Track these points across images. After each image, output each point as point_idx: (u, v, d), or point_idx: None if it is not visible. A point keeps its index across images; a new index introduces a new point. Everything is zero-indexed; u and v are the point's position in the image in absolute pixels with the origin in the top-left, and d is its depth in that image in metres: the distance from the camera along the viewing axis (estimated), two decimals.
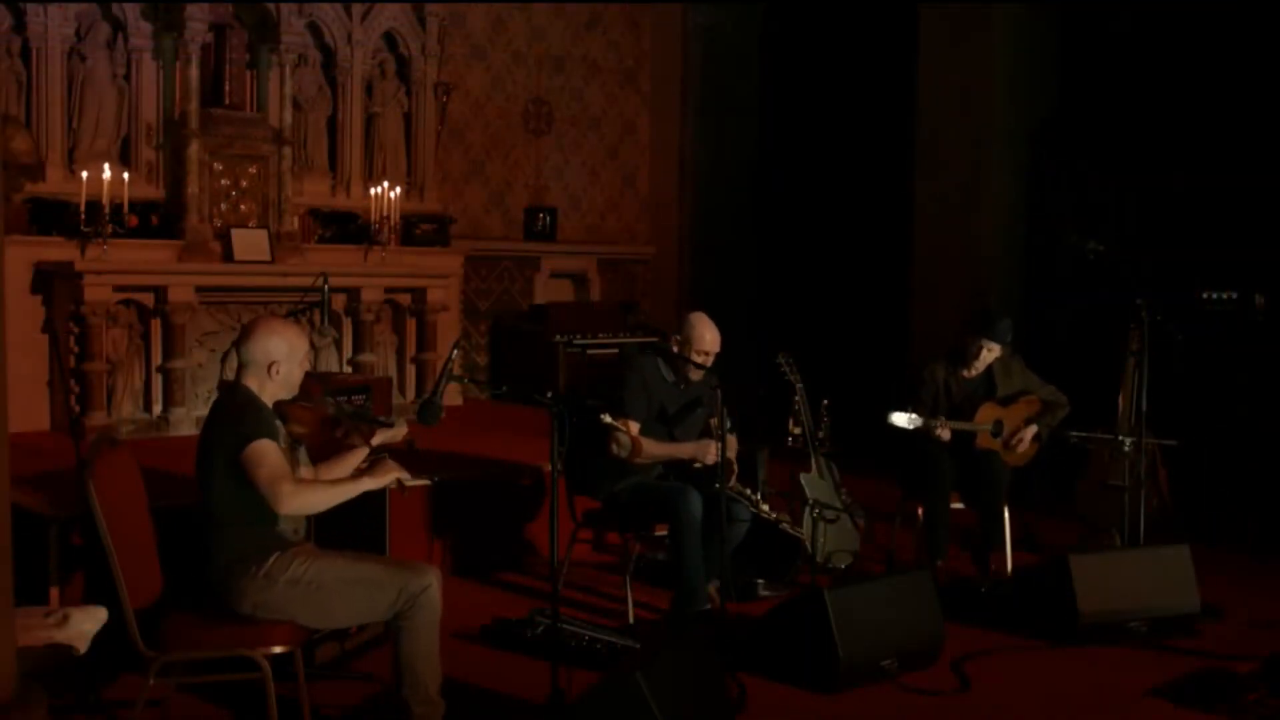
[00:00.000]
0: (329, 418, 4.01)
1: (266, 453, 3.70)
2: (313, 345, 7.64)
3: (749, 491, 5.38)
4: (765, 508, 5.40)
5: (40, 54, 7.23)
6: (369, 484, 3.87)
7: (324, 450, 4.15)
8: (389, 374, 8.15)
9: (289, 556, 3.79)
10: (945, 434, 5.74)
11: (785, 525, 5.52)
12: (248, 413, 3.78)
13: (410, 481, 4.00)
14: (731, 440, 5.46)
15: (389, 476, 3.92)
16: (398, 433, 4.14)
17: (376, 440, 4.12)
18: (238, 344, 3.94)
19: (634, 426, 5.18)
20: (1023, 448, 5.93)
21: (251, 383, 3.88)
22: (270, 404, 3.89)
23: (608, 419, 4.99)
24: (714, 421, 5.47)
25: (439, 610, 3.85)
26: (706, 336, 5.27)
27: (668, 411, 5.35)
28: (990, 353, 5.92)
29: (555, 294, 10.06)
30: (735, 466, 5.40)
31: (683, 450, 5.30)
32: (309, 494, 3.77)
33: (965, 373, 5.97)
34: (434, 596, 3.82)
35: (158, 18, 7.58)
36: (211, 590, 3.78)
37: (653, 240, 10.84)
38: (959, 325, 6.08)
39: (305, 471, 4.02)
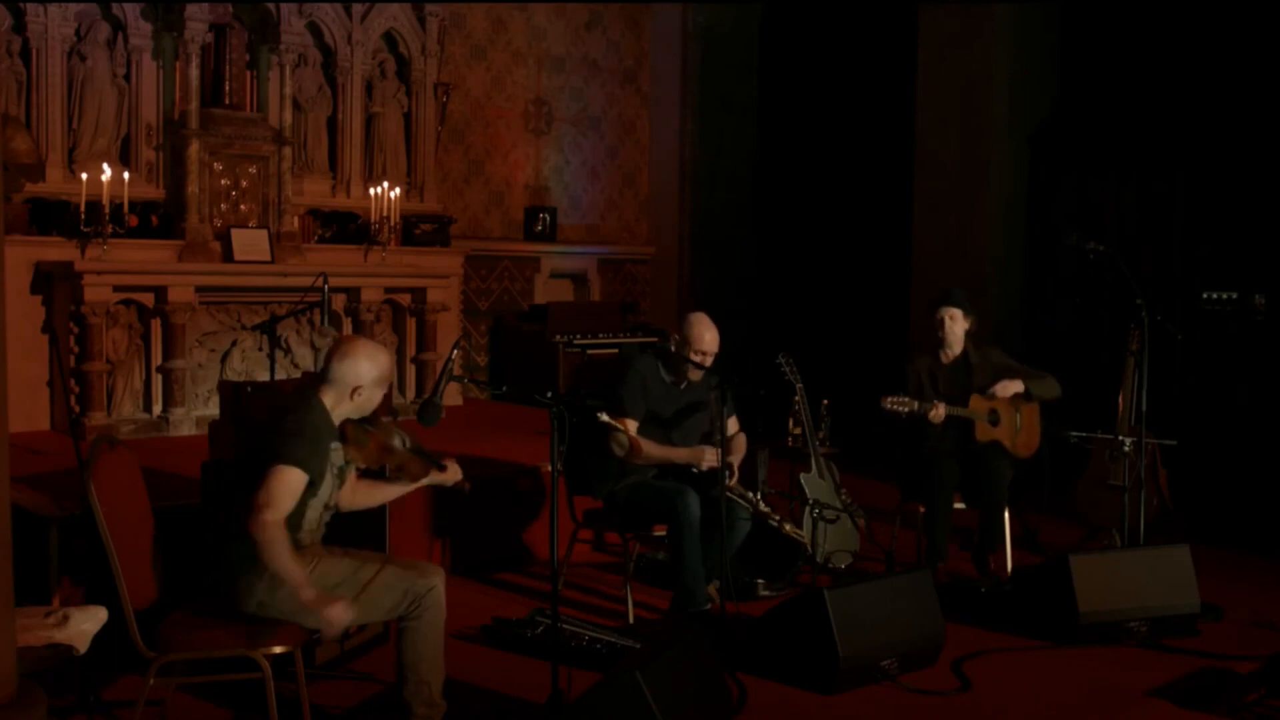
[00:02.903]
0: (389, 448, 3.96)
1: (283, 480, 3.66)
2: (313, 346, 7.68)
3: (749, 494, 5.37)
4: (766, 510, 5.39)
5: (40, 54, 7.23)
6: (309, 596, 3.66)
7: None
8: None
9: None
10: (940, 414, 5.69)
11: (787, 529, 5.51)
12: (304, 434, 3.74)
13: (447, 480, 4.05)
14: (741, 440, 5.45)
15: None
16: (449, 476, 4.05)
17: (426, 481, 4.05)
18: (328, 357, 3.91)
19: (632, 426, 5.17)
20: (1005, 392, 5.82)
21: (328, 398, 3.85)
22: (338, 422, 3.87)
23: (605, 418, 4.98)
24: (735, 430, 5.47)
25: (443, 611, 3.86)
26: (706, 336, 5.25)
27: (665, 413, 5.35)
28: (954, 321, 5.92)
29: (555, 294, 10.06)
30: (735, 471, 5.37)
31: (677, 455, 5.27)
32: (276, 544, 3.62)
33: (944, 357, 5.98)
34: (439, 598, 3.83)
35: (158, 17, 7.59)
36: (217, 587, 3.78)
37: (653, 240, 10.85)
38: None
39: (348, 488, 4.02)
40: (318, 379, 3.93)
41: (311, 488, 3.77)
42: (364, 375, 3.85)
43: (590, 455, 5.25)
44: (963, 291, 6.04)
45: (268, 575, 3.71)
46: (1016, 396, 5.89)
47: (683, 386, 5.39)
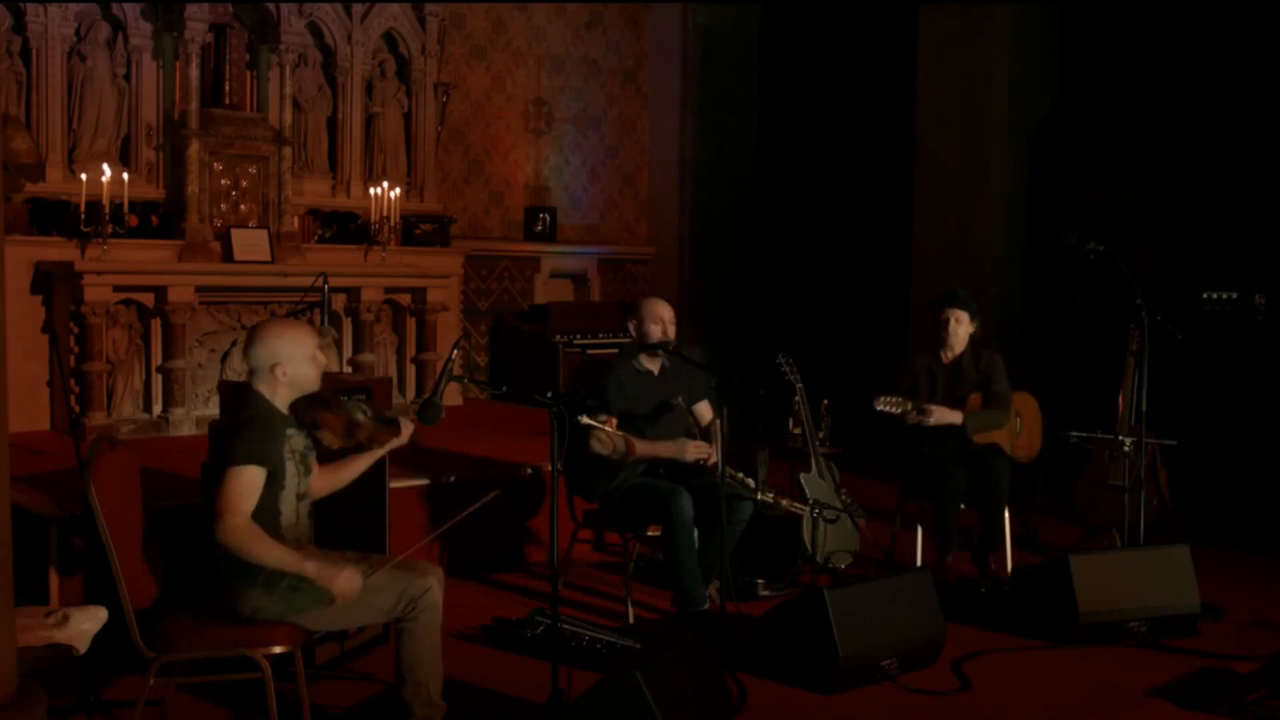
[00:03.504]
0: (355, 423, 3.94)
1: (239, 480, 3.62)
2: None
3: (743, 477, 5.34)
4: (765, 495, 5.36)
5: (40, 54, 7.23)
6: (312, 569, 3.66)
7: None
8: (389, 374, 8.16)
9: None
10: (927, 421, 5.72)
11: (786, 504, 5.47)
12: (249, 429, 3.71)
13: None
14: (718, 427, 5.44)
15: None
16: (407, 433, 4.06)
17: (389, 447, 4.05)
18: (244, 353, 3.89)
19: (613, 423, 5.17)
20: (941, 418, 5.78)
21: (263, 388, 3.81)
22: (285, 408, 3.83)
23: (585, 419, 4.97)
24: (709, 417, 5.48)
25: (440, 612, 3.84)
26: (658, 308, 5.38)
27: (644, 408, 5.35)
28: (959, 323, 5.95)
29: (555, 294, 10.07)
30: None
31: (662, 449, 5.27)
32: (251, 542, 3.60)
33: (944, 355, 5.99)
34: (435, 599, 3.81)
35: (158, 17, 7.59)
36: (217, 587, 3.77)
37: (653, 240, 10.85)
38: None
39: (315, 474, 3.99)
40: (248, 377, 3.89)
41: (275, 480, 3.72)
42: (279, 352, 3.78)
43: (585, 456, 5.25)
44: (967, 293, 6.06)
45: (260, 580, 3.68)
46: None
47: (657, 373, 5.42)
